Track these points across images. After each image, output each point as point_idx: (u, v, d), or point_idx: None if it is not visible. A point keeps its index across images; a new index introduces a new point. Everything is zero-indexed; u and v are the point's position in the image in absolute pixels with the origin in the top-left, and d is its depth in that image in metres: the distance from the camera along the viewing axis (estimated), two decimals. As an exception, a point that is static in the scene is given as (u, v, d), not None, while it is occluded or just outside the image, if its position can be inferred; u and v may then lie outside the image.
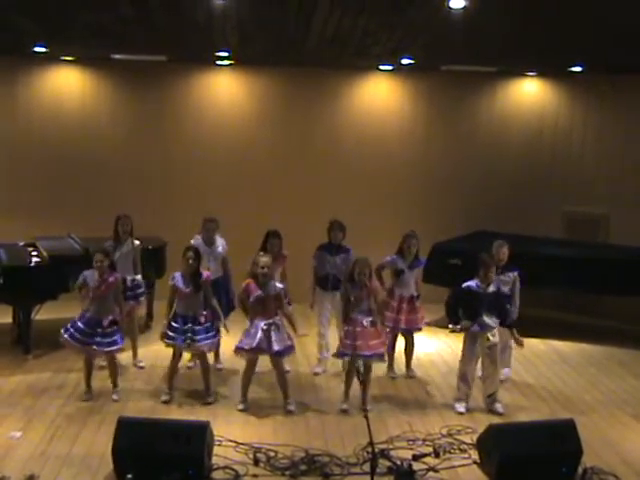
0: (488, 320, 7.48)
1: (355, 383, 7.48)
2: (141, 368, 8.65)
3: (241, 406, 7.55)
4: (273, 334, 7.34)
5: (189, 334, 7.51)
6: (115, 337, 7.59)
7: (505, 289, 7.84)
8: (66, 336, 7.56)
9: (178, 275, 7.64)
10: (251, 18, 7.91)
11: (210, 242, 8.53)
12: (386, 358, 7.90)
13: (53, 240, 9.75)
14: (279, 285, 7.57)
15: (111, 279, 7.60)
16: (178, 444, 5.88)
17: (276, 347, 7.35)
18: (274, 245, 8.30)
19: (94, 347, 7.51)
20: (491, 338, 7.52)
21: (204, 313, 7.62)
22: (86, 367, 7.75)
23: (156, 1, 7.17)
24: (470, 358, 7.62)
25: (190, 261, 7.53)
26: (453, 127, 12.15)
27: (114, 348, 7.64)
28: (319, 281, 8.65)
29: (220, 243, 8.66)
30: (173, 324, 7.60)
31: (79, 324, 7.55)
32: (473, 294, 7.50)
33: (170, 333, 7.60)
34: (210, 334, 7.66)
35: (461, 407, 7.62)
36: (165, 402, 7.65)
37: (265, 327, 7.33)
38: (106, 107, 11.71)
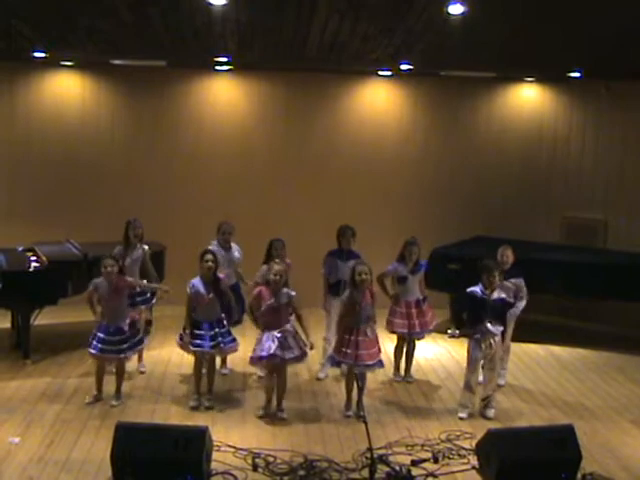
0: (491, 327, 7.47)
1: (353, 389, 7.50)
2: (142, 373, 8.61)
3: (261, 412, 7.51)
4: (289, 341, 7.31)
5: (219, 338, 7.50)
6: (139, 336, 7.76)
7: (506, 295, 7.69)
8: (94, 352, 7.52)
9: (197, 282, 7.55)
10: (250, 23, 7.92)
11: (227, 246, 8.48)
12: (384, 363, 7.85)
13: (52, 245, 9.73)
14: (292, 292, 7.41)
15: (121, 284, 7.59)
16: (177, 449, 5.86)
17: (292, 354, 7.32)
18: (279, 249, 8.21)
19: (122, 355, 7.54)
20: (493, 345, 7.51)
21: (224, 316, 7.62)
22: (99, 372, 7.71)
23: (155, 6, 7.18)
24: (474, 366, 7.61)
25: (209, 264, 7.49)
26: (452, 132, 12.14)
27: (142, 346, 7.89)
28: (330, 287, 8.58)
29: (236, 248, 8.63)
30: (197, 331, 7.51)
31: (101, 335, 7.50)
32: (477, 300, 7.48)
33: (196, 340, 7.52)
34: (232, 337, 7.69)
35: (463, 413, 7.61)
36: (193, 408, 7.60)
37: (279, 335, 7.27)
38: (105, 112, 11.70)
